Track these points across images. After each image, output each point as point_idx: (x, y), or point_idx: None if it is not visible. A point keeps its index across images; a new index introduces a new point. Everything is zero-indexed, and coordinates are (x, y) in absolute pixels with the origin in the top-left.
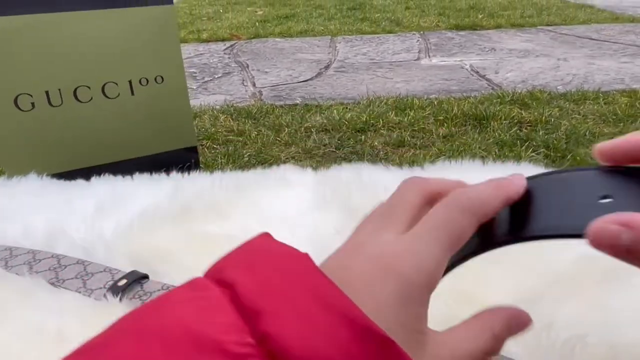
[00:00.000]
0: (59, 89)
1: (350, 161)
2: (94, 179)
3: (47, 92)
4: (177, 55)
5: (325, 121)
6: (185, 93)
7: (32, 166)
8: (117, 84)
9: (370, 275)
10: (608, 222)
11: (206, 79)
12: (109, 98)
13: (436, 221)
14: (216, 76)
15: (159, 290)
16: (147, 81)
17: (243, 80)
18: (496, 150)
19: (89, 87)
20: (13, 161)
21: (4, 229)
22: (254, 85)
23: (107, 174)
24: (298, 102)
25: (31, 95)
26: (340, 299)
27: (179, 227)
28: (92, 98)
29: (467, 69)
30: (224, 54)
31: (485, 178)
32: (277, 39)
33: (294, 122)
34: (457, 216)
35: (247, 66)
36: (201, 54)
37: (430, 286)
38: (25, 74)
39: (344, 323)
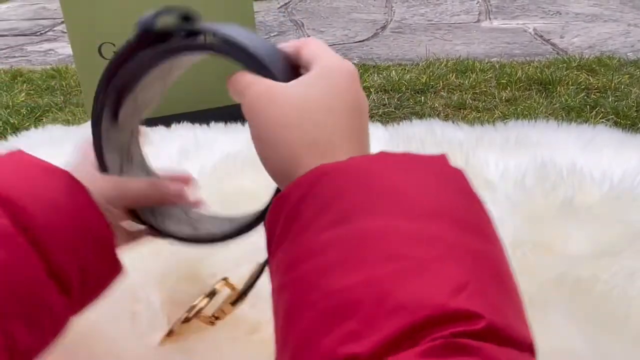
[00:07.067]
0: None
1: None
2: (174, 126)
3: None
4: (250, 11)
5: (383, 81)
6: None
7: None
8: None
9: None
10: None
11: (263, 37)
12: None
13: None
14: (272, 34)
15: None
16: None
17: (299, 38)
18: (563, 115)
19: None
20: None
21: None
22: None
23: (184, 122)
24: (355, 62)
25: (114, 45)
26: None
27: (261, 171)
28: None
29: (530, 33)
30: (279, 12)
31: (561, 139)
32: None
33: None
34: None
35: (303, 25)
36: (256, 12)
37: None
38: (109, 24)
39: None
